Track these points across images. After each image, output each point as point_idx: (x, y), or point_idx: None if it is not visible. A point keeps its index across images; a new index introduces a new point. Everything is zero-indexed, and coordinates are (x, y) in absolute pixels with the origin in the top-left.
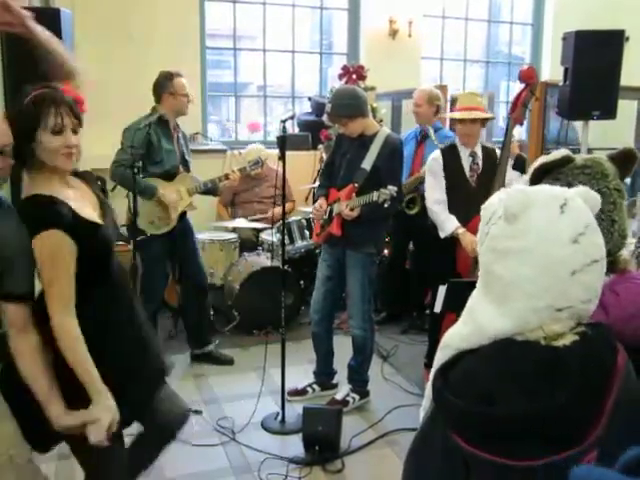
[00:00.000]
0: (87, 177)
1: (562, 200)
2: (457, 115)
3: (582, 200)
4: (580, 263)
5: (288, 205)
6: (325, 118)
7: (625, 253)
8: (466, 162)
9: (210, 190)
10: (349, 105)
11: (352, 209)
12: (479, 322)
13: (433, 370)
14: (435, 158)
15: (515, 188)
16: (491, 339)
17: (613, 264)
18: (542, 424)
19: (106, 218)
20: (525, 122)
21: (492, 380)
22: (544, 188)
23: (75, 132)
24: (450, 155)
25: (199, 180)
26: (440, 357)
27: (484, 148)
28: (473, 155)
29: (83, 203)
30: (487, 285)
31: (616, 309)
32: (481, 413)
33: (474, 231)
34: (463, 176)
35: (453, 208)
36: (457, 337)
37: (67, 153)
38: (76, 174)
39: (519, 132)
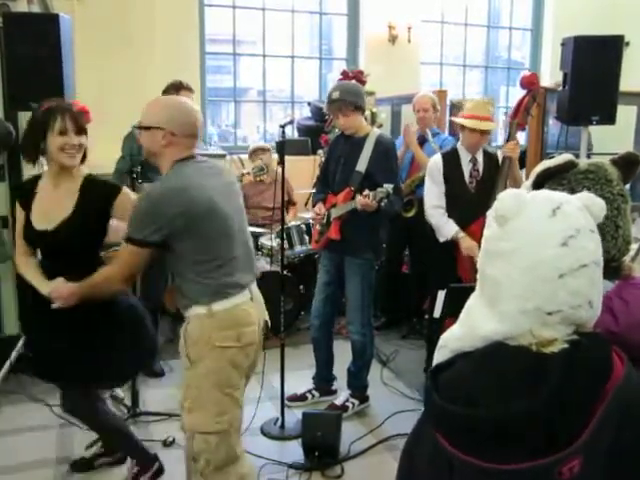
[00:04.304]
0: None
1: (556, 204)
2: (469, 123)
3: (584, 206)
4: (568, 266)
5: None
6: (325, 107)
7: (627, 258)
8: (466, 168)
9: None
10: (359, 94)
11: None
12: (472, 323)
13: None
14: (435, 162)
15: (510, 191)
16: (484, 341)
17: (617, 270)
18: (517, 429)
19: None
20: (526, 127)
21: (477, 384)
22: (541, 192)
23: (79, 134)
24: (450, 160)
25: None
26: (437, 357)
27: (485, 153)
28: (474, 161)
29: (48, 204)
30: (481, 287)
31: (626, 316)
32: (462, 416)
33: (471, 236)
34: (462, 182)
35: (451, 213)
36: (452, 338)
37: (68, 151)
38: (92, 181)
39: (520, 137)
